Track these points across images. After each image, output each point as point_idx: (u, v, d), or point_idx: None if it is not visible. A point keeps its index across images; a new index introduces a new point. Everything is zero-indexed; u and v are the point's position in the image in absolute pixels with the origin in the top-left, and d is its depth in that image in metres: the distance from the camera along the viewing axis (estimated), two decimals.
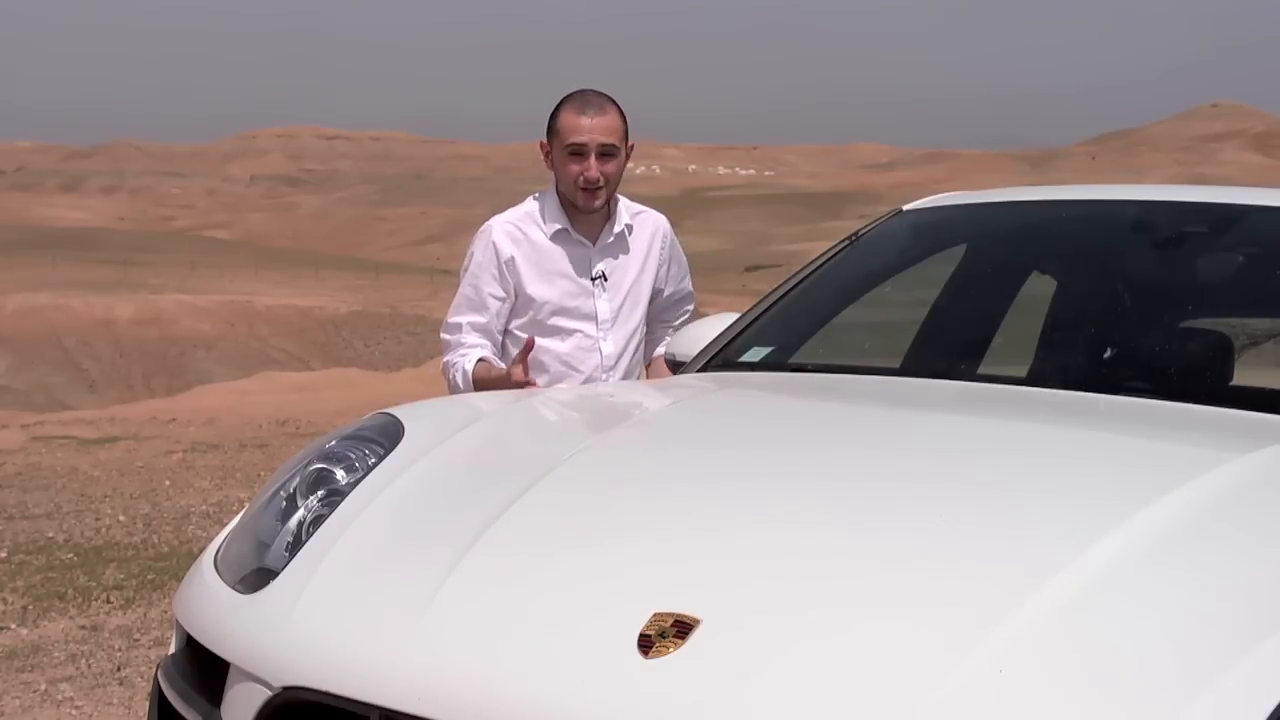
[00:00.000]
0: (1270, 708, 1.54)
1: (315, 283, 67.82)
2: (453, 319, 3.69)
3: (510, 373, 3.45)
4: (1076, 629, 1.66)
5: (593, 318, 3.67)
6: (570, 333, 3.66)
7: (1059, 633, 1.66)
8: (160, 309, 50.40)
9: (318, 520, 2.27)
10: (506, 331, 3.69)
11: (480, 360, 3.59)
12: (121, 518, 7.97)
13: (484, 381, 3.55)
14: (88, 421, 14.45)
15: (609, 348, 3.67)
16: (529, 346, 3.44)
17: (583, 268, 3.67)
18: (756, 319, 3.43)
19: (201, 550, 2.53)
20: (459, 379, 3.61)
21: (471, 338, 3.64)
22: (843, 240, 3.67)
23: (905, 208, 3.72)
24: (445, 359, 3.69)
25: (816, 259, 3.63)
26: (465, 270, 3.69)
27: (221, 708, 2.07)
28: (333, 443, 2.49)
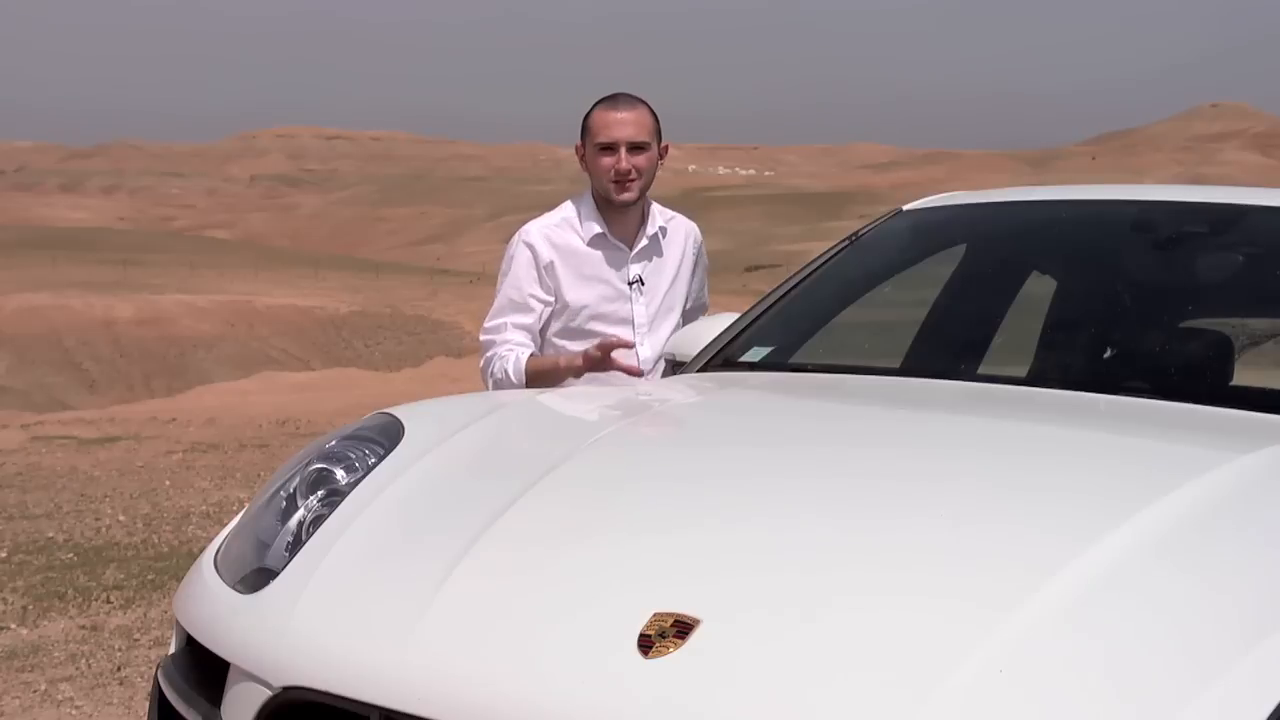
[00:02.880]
0: (1275, 703, 1.54)
1: (315, 283, 67.84)
2: (494, 320, 3.66)
3: (585, 352, 3.45)
4: (1081, 625, 1.66)
5: (629, 322, 3.66)
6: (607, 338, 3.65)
7: (1064, 628, 1.66)
8: (160, 309, 50.41)
9: (318, 520, 2.27)
10: (546, 340, 3.67)
11: (531, 355, 3.58)
12: (121, 518, 7.97)
13: (536, 372, 3.53)
14: (88, 421, 14.43)
15: (646, 352, 3.66)
16: (619, 344, 3.45)
17: (620, 272, 3.67)
18: (757, 319, 3.43)
19: (201, 550, 2.53)
20: (509, 369, 3.56)
21: (516, 335, 3.62)
22: (843, 240, 3.66)
23: (905, 208, 3.72)
24: (487, 355, 3.65)
25: (816, 259, 3.63)
26: (504, 275, 3.68)
27: (221, 708, 2.07)
28: (333, 443, 2.49)
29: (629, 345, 3.53)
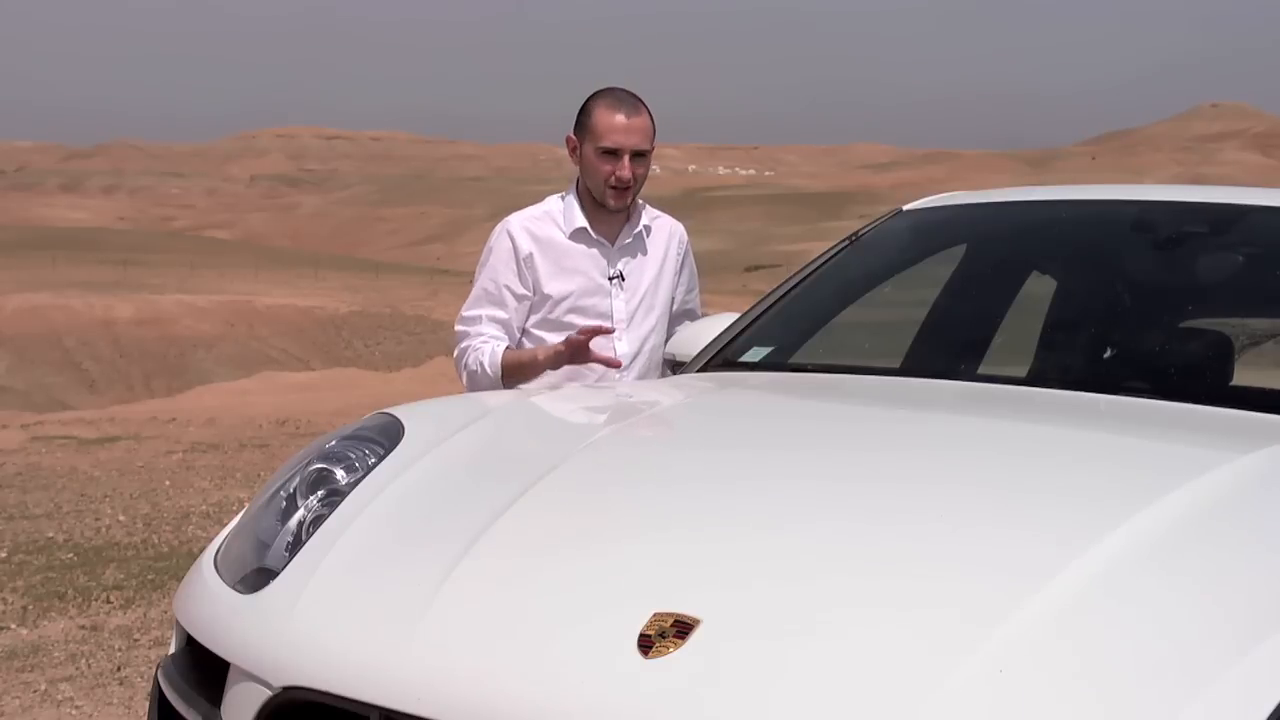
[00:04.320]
0: (1269, 709, 1.54)
1: (315, 283, 67.84)
2: (469, 312, 3.65)
3: (568, 339, 3.42)
4: (1075, 630, 1.66)
5: (608, 317, 3.64)
6: None
7: (1058, 634, 1.66)
8: (160, 309, 50.39)
9: (318, 520, 2.27)
10: (525, 331, 3.66)
11: (506, 348, 3.57)
12: (121, 518, 7.97)
13: (512, 365, 3.52)
14: (88, 421, 14.44)
15: (624, 348, 3.64)
16: (600, 331, 3.42)
17: (601, 267, 3.65)
18: (756, 319, 3.43)
19: (201, 550, 2.53)
20: (484, 362, 3.54)
21: (491, 329, 3.61)
22: (843, 240, 3.67)
23: (905, 208, 3.72)
24: (461, 345, 3.64)
25: (816, 259, 3.63)
26: (482, 266, 3.66)
27: (221, 708, 2.07)
28: (333, 443, 2.49)
29: (609, 332, 3.51)
